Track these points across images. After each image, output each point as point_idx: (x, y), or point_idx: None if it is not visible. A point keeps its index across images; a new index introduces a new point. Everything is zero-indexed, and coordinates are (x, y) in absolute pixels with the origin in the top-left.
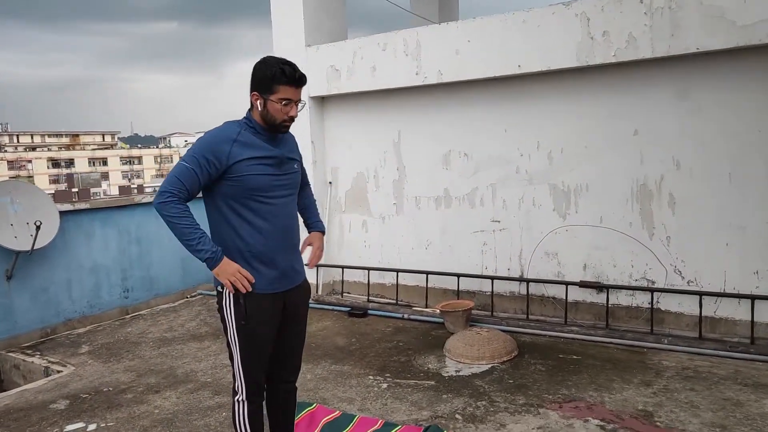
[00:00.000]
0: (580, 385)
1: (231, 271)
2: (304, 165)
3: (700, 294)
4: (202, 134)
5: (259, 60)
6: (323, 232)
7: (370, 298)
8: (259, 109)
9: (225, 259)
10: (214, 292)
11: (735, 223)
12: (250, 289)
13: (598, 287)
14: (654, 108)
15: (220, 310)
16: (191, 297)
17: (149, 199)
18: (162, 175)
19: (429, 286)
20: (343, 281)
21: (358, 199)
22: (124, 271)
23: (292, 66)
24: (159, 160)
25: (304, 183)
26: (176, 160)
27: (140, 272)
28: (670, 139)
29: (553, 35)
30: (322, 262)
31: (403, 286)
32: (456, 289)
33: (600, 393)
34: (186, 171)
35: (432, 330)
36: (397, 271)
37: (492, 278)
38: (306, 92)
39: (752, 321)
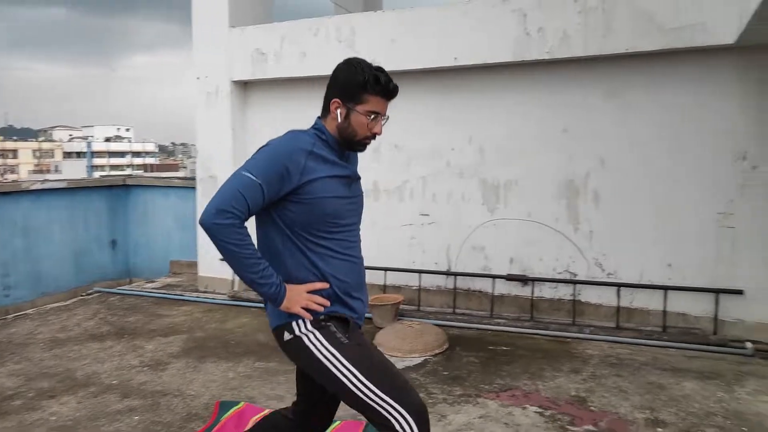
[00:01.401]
0: (513, 375)
1: (302, 296)
2: (225, 154)
3: (619, 286)
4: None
5: (344, 61)
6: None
7: None
8: (339, 120)
9: (288, 286)
10: (115, 289)
11: (653, 218)
12: (327, 306)
13: (524, 280)
14: (583, 106)
15: (304, 352)
16: (86, 295)
17: (39, 186)
18: (42, 170)
19: None
20: None
21: None
22: (5, 266)
23: (386, 74)
24: (38, 154)
25: None
26: (58, 154)
27: (25, 267)
28: (596, 137)
29: (490, 29)
30: None
31: None
32: (383, 283)
33: (534, 381)
34: (251, 185)
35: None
36: None
37: (419, 272)
38: (227, 76)
39: (665, 311)
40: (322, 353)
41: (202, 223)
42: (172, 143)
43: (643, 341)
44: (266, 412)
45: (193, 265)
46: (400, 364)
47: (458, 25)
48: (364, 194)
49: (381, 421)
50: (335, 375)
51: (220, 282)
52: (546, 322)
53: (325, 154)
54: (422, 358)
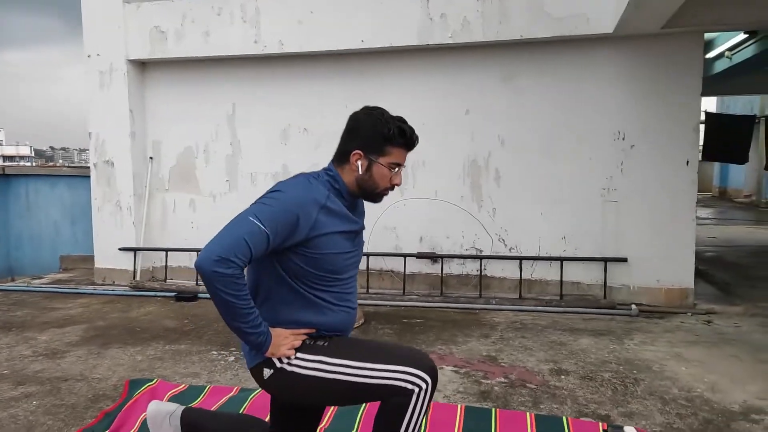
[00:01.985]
0: (428, 342)
1: (288, 339)
2: (123, 137)
3: (520, 259)
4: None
5: (364, 111)
6: None
7: (198, 282)
8: (360, 172)
9: (273, 330)
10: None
11: (548, 194)
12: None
13: (434, 257)
14: (484, 89)
15: (287, 382)
16: None
17: None
18: None
19: None
20: (166, 266)
21: (186, 176)
22: None
23: (409, 125)
24: None
25: None
26: None
27: None
28: (496, 118)
29: (395, 14)
30: (141, 245)
31: None
32: None
33: (448, 346)
34: (258, 234)
35: None
36: None
37: None
38: (123, 54)
39: (561, 280)
40: (307, 368)
41: (199, 268)
42: (51, 147)
43: (543, 308)
44: (182, 386)
45: (87, 259)
46: None
47: (364, 9)
48: (274, 176)
49: (394, 394)
50: (328, 380)
51: (119, 273)
52: (455, 297)
53: (337, 207)
54: None
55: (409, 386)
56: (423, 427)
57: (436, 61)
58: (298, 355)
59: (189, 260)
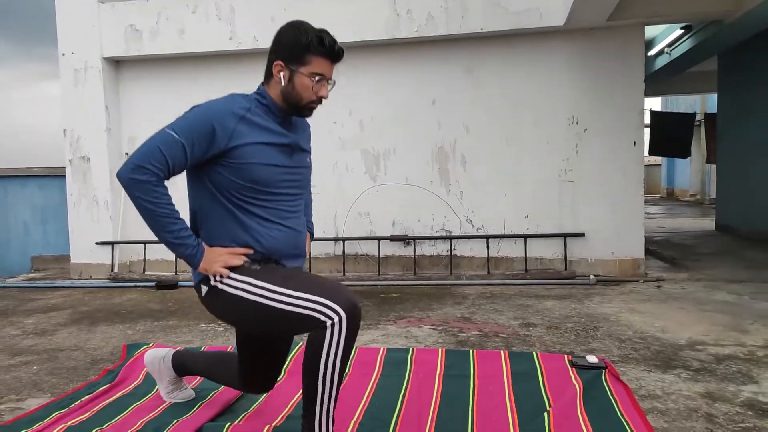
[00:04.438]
0: (406, 310)
1: (221, 257)
2: (99, 133)
3: (487, 238)
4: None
5: (287, 23)
6: (313, 235)
7: (179, 271)
8: (282, 83)
9: (207, 248)
10: None
11: (510, 176)
12: (250, 253)
13: (406, 239)
14: (448, 80)
15: (221, 302)
16: None
17: None
18: None
19: None
20: (145, 259)
21: None
22: None
23: (331, 36)
24: None
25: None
26: None
27: None
28: (461, 107)
29: (364, 10)
30: (118, 238)
31: None
32: None
33: (424, 312)
34: (173, 143)
35: None
36: None
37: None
38: (98, 52)
39: (525, 256)
40: (235, 288)
41: (119, 177)
42: None
43: (510, 282)
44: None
45: (60, 259)
46: None
47: (335, 6)
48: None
49: (309, 325)
50: (250, 301)
51: (96, 267)
52: (428, 276)
53: (260, 120)
54: None
55: (322, 317)
56: (346, 370)
57: (404, 55)
58: (231, 275)
59: (167, 252)
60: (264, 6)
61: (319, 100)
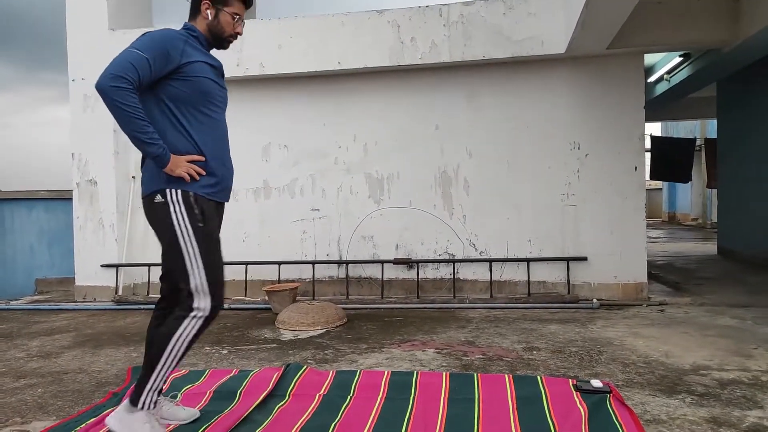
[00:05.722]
0: (410, 333)
1: (184, 164)
2: (106, 156)
3: (490, 261)
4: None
5: None
6: None
7: None
8: (209, 18)
9: (171, 155)
10: None
11: (513, 201)
12: (203, 175)
13: (409, 263)
14: (451, 106)
15: (166, 217)
16: None
17: None
18: None
19: (248, 278)
20: (149, 282)
21: None
22: None
23: None
24: None
25: None
26: None
27: None
28: (463, 133)
29: (369, 38)
30: (123, 261)
31: None
32: (277, 279)
33: (429, 335)
34: (140, 59)
35: (257, 314)
36: None
37: (313, 263)
38: None
39: (528, 279)
40: (179, 224)
41: (98, 86)
42: None
43: (513, 305)
44: (184, 371)
45: (65, 281)
46: (305, 335)
47: (341, 33)
48: (255, 192)
49: (187, 296)
50: (180, 245)
51: (101, 290)
52: (431, 299)
53: (198, 45)
54: (324, 330)
55: (194, 304)
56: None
57: (408, 81)
58: (182, 210)
59: None
60: (270, 35)
61: (236, 36)
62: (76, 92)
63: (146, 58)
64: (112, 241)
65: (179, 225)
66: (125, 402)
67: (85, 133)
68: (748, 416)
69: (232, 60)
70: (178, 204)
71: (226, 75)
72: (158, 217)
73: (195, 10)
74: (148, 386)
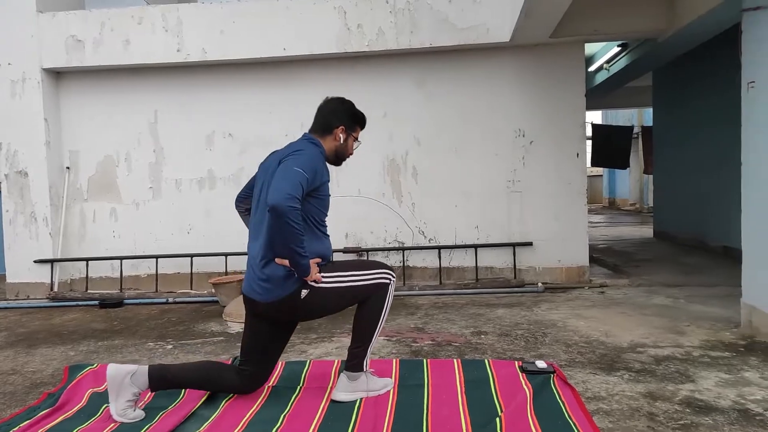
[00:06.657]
0: None
1: (314, 267)
2: (38, 146)
3: (439, 248)
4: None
5: (341, 98)
6: None
7: (123, 289)
8: (340, 141)
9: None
10: None
11: (461, 188)
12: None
13: (359, 251)
14: (399, 94)
15: (315, 296)
16: None
17: None
18: None
19: (194, 271)
20: (87, 277)
21: (106, 185)
22: None
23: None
24: None
25: None
26: None
27: None
28: (411, 120)
29: (315, 24)
30: (59, 256)
31: (162, 275)
32: (223, 271)
33: None
34: (305, 180)
35: (203, 307)
36: (157, 257)
37: None
38: (37, 63)
39: (476, 265)
40: (331, 282)
41: (278, 206)
42: None
43: (461, 291)
44: None
45: None
46: None
47: (284, 19)
48: (199, 182)
49: (380, 286)
50: (344, 287)
51: (35, 287)
52: None
53: (325, 163)
54: None
55: (386, 280)
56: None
57: (355, 68)
58: (323, 275)
59: (111, 270)
60: (212, 19)
61: (351, 155)
62: (2, 78)
63: (307, 178)
64: (45, 235)
65: (332, 284)
66: (343, 376)
67: (13, 122)
68: (681, 390)
69: (172, 45)
70: (316, 282)
71: (165, 60)
72: (310, 302)
73: (327, 131)
74: (369, 352)
